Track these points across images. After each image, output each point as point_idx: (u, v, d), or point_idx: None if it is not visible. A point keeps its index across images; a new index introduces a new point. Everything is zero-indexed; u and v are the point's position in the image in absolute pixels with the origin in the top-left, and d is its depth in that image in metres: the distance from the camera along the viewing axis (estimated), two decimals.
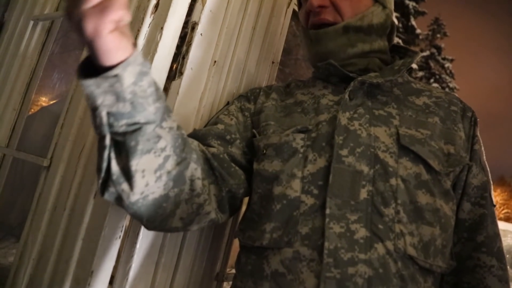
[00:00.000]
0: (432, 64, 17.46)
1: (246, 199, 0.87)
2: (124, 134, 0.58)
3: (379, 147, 0.72)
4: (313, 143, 0.74)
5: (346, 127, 0.74)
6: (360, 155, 0.71)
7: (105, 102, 0.55)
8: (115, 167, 0.60)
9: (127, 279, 0.84)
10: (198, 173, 0.70)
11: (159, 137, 0.61)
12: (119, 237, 0.85)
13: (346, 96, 0.78)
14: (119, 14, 0.50)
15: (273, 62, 1.23)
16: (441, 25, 18.69)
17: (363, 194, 0.68)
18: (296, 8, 1.27)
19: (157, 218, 0.67)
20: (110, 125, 0.57)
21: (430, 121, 0.77)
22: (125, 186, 0.61)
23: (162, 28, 0.90)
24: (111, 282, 0.85)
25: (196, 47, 0.92)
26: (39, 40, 1.32)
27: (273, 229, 0.71)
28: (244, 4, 1.06)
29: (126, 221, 0.85)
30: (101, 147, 0.60)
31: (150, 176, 0.62)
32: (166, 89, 0.91)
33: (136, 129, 0.58)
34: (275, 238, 0.70)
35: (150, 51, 0.89)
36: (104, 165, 0.60)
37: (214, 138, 0.80)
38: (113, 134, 0.58)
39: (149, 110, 0.59)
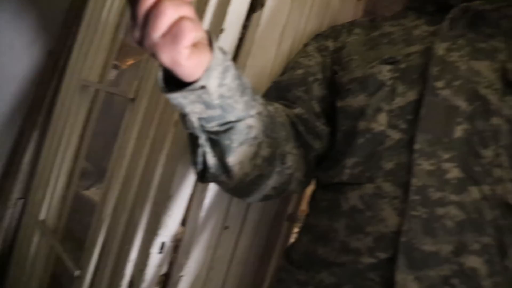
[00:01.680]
0: None
1: None
2: (217, 133, 0.58)
3: (481, 82, 0.64)
4: (402, 75, 0.68)
5: (442, 58, 0.66)
6: (457, 89, 0.63)
7: (194, 110, 0.54)
8: (211, 161, 0.61)
9: (202, 206, 0.87)
10: (289, 147, 0.70)
11: (250, 127, 0.60)
12: None
13: (446, 24, 0.69)
14: (192, 37, 0.45)
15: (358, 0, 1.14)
16: None
17: (458, 132, 0.61)
18: None
19: (253, 193, 0.69)
20: (202, 126, 0.57)
21: None
22: (223, 177, 0.64)
23: None
24: (187, 207, 0.89)
25: None
26: None
27: (354, 164, 0.67)
28: None
29: None
30: (194, 144, 0.61)
31: (247, 165, 0.63)
32: (247, 21, 0.89)
33: (228, 128, 0.58)
34: (355, 174, 0.67)
35: None
36: (200, 159, 0.62)
37: (297, 87, 0.78)
38: (206, 133, 0.58)
39: (238, 108, 0.57)
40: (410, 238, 0.58)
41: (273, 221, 1.01)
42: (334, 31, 0.85)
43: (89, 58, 1.36)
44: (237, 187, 0.67)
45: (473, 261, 0.57)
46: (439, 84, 0.64)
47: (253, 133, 0.61)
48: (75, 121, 1.38)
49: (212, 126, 0.57)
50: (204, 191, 0.87)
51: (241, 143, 0.60)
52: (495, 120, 0.62)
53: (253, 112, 0.61)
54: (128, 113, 1.06)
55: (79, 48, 1.44)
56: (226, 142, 0.59)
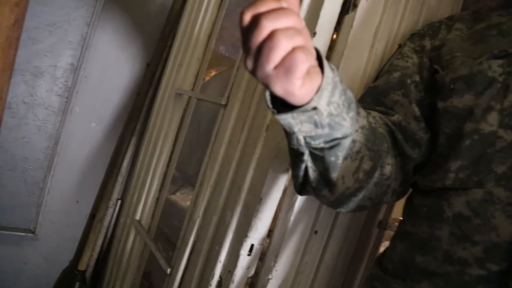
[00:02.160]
0: None
1: None
2: (322, 149, 0.58)
3: None
4: None
5: None
6: None
7: (302, 129, 0.54)
8: (313, 176, 0.62)
9: (292, 210, 0.87)
10: (388, 160, 0.68)
11: (354, 142, 0.60)
12: (287, 170, 0.87)
13: None
14: (305, 68, 0.44)
15: None
16: None
17: None
18: None
19: (349, 204, 0.69)
20: (308, 144, 0.57)
21: None
22: (325, 192, 0.64)
23: None
24: (277, 211, 0.90)
25: None
26: None
27: (459, 168, 0.62)
28: None
29: None
30: (296, 159, 0.62)
31: (349, 179, 0.63)
32: (339, 23, 0.88)
33: (334, 145, 0.58)
34: (461, 178, 0.61)
35: None
36: (301, 174, 0.63)
37: (394, 90, 0.75)
38: (311, 149, 0.59)
39: (345, 125, 0.57)
40: None
41: (363, 227, 0.97)
42: (431, 29, 0.80)
43: (183, 69, 1.45)
44: (336, 200, 0.66)
45: None
46: None
47: (357, 147, 0.60)
48: (169, 127, 1.47)
49: (319, 143, 0.57)
50: (294, 195, 0.87)
51: (345, 158, 0.60)
52: None
53: (357, 126, 0.60)
54: (220, 118, 1.10)
55: (174, 60, 1.55)
56: (332, 158, 0.59)
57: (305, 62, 0.44)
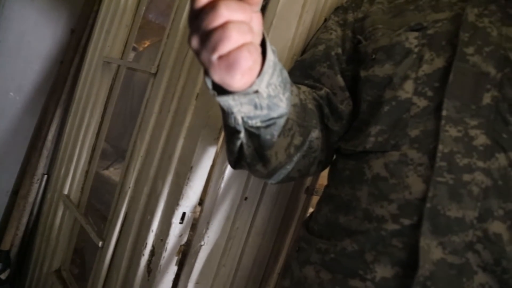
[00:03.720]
0: None
1: None
2: (258, 128, 0.59)
3: (511, 48, 0.62)
4: (430, 41, 0.66)
5: (473, 24, 0.64)
6: (487, 55, 0.62)
7: (241, 110, 0.54)
8: (248, 152, 0.64)
9: (222, 178, 0.89)
10: (316, 133, 0.71)
11: (287, 120, 0.62)
12: (217, 138, 0.88)
13: None
14: (248, 66, 0.43)
15: None
16: None
17: (487, 98, 0.60)
18: None
19: (281, 177, 0.71)
20: (245, 123, 0.58)
21: None
22: (259, 167, 0.66)
23: None
24: (207, 179, 0.91)
25: None
26: None
27: (378, 132, 0.67)
28: None
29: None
30: (232, 137, 0.62)
31: (282, 155, 0.65)
32: None
33: (270, 124, 0.59)
34: (380, 141, 0.66)
35: None
36: (236, 149, 0.63)
37: (320, 63, 0.78)
38: (247, 127, 0.59)
39: (282, 106, 0.58)
40: (435, 204, 0.58)
41: (291, 193, 1.02)
42: (354, 2, 0.84)
43: (111, 36, 1.38)
44: (268, 174, 0.69)
45: (497, 227, 0.56)
46: (469, 50, 0.62)
47: (289, 125, 0.63)
48: (97, 97, 1.40)
49: (256, 122, 0.58)
50: (224, 162, 0.89)
51: (279, 136, 0.62)
52: None
53: (290, 105, 0.62)
54: (150, 87, 1.07)
55: (100, 26, 1.46)
56: (267, 137, 0.61)
57: (249, 61, 0.43)
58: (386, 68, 0.70)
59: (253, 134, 0.61)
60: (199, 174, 0.89)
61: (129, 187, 1.08)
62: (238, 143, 0.62)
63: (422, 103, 0.64)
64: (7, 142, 1.62)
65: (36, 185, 1.67)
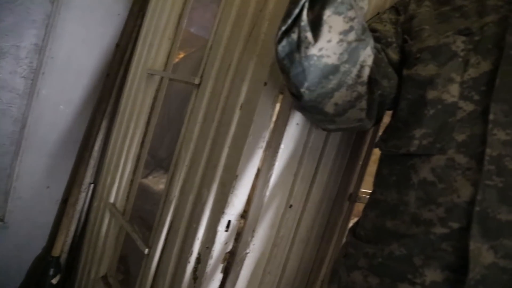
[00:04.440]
0: None
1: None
2: None
3: None
4: (476, 46, 0.66)
5: None
6: None
7: None
8: (305, 16, 0.63)
9: (267, 186, 0.89)
10: (370, 60, 0.69)
11: (351, 7, 0.63)
12: (262, 147, 0.89)
13: None
14: None
15: None
16: None
17: None
18: None
19: (317, 89, 0.68)
20: None
21: None
22: (309, 34, 0.63)
23: None
24: (253, 187, 0.92)
25: None
26: None
27: (423, 135, 0.66)
28: None
29: (268, 132, 0.89)
30: None
31: (335, 34, 0.64)
32: None
33: None
34: (425, 145, 0.65)
35: None
36: (296, 11, 0.63)
37: (377, 40, 0.78)
38: None
39: None
40: (484, 207, 0.57)
41: (335, 201, 1.01)
42: (402, 4, 0.84)
43: (154, 48, 1.43)
44: (313, 66, 0.65)
45: None
46: None
47: (352, 14, 0.63)
48: (141, 109, 1.46)
49: None
50: (269, 170, 0.89)
51: (339, 13, 0.62)
52: None
53: (359, 1, 0.65)
54: (194, 98, 1.10)
55: (144, 40, 1.52)
56: None
57: None
58: (429, 68, 0.69)
59: None
60: (244, 183, 0.91)
61: (175, 196, 1.10)
62: (303, 1, 0.62)
63: (468, 107, 0.63)
64: (58, 154, 1.71)
65: (83, 194, 1.74)
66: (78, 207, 1.74)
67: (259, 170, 0.92)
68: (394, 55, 0.76)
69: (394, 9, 0.85)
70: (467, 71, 0.65)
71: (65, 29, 1.59)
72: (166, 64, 1.41)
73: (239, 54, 0.96)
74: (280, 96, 0.89)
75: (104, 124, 1.69)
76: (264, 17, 0.91)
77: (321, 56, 0.64)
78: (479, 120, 0.62)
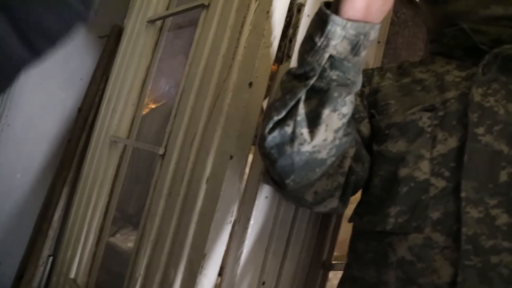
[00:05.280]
0: None
1: None
2: (330, 82, 0.61)
3: None
4: (441, 122, 0.67)
5: (480, 104, 0.65)
6: (498, 134, 0.63)
7: (338, 46, 0.58)
8: (302, 109, 0.62)
9: (238, 263, 0.84)
10: (352, 152, 0.70)
11: (345, 103, 0.62)
12: (230, 222, 0.85)
13: (480, 70, 0.68)
14: None
15: (379, 42, 1.15)
16: None
17: (503, 176, 0.60)
18: None
19: (302, 182, 0.67)
20: (323, 69, 0.60)
21: None
22: (305, 131, 0.62)
23: (268, 12, 0.88)
24: (222, 265, 0.86)
25: (303, 29, 0.89)
26: (152, 40, 1.42)
27: (398, 213, 0.65)
28: None
29: (236, 206, 0.86)
30: (295, 86, 0.62)
31: (330, 133, 0.63)
32: (274, 73, 0.90)
33: (344, 84, 0.61)
34: (400, 223, 0.65)
35: (257, 36, 0.89)
36: (292, 103, 0.61)
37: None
38: (321, 78, 0.60)
39: (360, 76, 0.63)
40: None
41: (309, 270, 0.96)
42: (365, 75, 0.86)
43: (117, 114, 1.40)
44: (304, 161, 0.63)
45: None
46: (480, 130, 0.63)
47: (345, 110, 0.63)
48: (105, 176, 1.39)
49: (334, 74, 0.60)
50: (240, 247, 0.85)
51: (335, 110, 0.61)
52: None
53: (353, 96, 0.64)
54: (158, 169, 1.06)
55: (107, 105, 1.49)
56: (335, 94, 0.60)
57: None
58: (399, 144, 0.70)
59: (320, 91, 0.61)
60: (213, 261, 0.85)
61: (140, 274, 1.03)
62: (300, 94, 0.61)
63: (440, 183, 0.64)
64: (12, 226, 1.59)
65: (41, 268, 1.61)
66: (35, 283, 1.60)
67: (228, 247, 0.87)
68: (366, 130, 0.76)
69: None
70: (435, 147, 0.66)
71: (23, 96, 1.54)
72: (130, 130, 1.37)
73: (203, 125, 0.94)
74: (248, 169, 0.87)
75: (65, 192, 1.60)
76: (228, 88, 0.91)
77: (313, 152, 0.63)
78: (451, 197, 0.62)
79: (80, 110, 1.64)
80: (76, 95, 1.65)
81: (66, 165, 1.60)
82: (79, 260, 1.41)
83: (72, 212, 1.51)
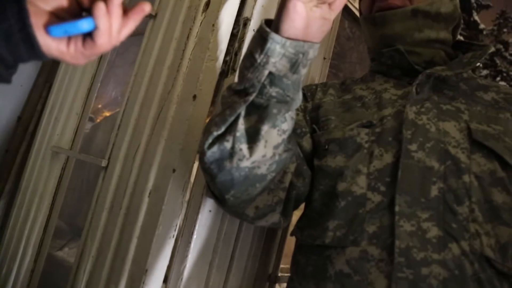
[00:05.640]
0: (498, 61, 16.19)
1: None
2: (270, 98, 0.61)
3: (450, 142, 0.67)
4: (378, 138, 0.70)
5: (413, 122, 0.69)
6: (430, 150, 0.67)
7: (277, 64, 0.59)
8: (241, 125, 0.61)
9: (181, 278, 0.83)
10: (293, 167, 0.71)
11: (285, 119, 0.63)
12: (173, 236, 0.84)
13: (414, 89, 0.73)
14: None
15: (324, 58, 1.19)
16: (508, 18, 17.31)
17: (434, 191, 0.64)
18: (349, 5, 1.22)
19: (243, 197, 0.67)
20: (263, 86, 0.60)
21: (501, 116, 0.71)
22: (244, 147, 0.62)
23: (213, 25, 0.89)
24: (165, 281, 0.85)
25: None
26: None
27: (336, 227, 0.68)
28: None
29: (179, 221, 0.85)
30: (235, 101, 0.62)
31: (269, 149, 0.63)
32: (218, 86, 0.90)
33: (283, 101, 0.62)
34: (338, 236, 0.67)
35: (202, 49, 0.89)
36: (231, 119, 0.61)
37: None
38: (260, 95, 0.61)
39: (299, 93, 0.64)
40: None
41: (254, 284, 0.97)
42: (309, 91, 0.88)
43: (60, 124, 1.34)
44: (243, 176, 0.64)
45: None
46: (413, 146, 0.67)
47: (285, 126, 0.63)
48: (45, 188, 1.32)
49: (273, 91, 0.60)
50: (183, 261, 0.84)
51: (275, 126, 0.62)
52: (466, 178, 0.65)
53: (293, 112, 0.65)
54: (101, 181, 1.02)
55: (49, 114, 1.42)
56: (274, 110, 0.61)
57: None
58: (338, 159, 0.72)
59: (260, 106, 0.61)
60: (155, 277, 0.83)
61: None
62: (239, 110, 0.61)
63: (376, 198, 0.66)
64: None
65: None
66: None
67: (171, 261, 0.85)
68: (308, 145, 0.78)
69: (303, 95, 0.88)
70: (372, 163, 0.69)
71: None
72: (73, 141, 1.32)
73: (147, 137, 0.92)
74: (191, 183, 0.86)
75: (1, 206, 1.50)
76: (172, 100, 0.90)
77: (253, 168, 0.64)
78: (386, 211, 0.65)
79: (19, 118, 1.56)
80: (16, 102, 1.56)
81: (3, 177, 1.50)
82: (14, 279, 1.32)
83: (9, 227, 1.42)
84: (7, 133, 1.56)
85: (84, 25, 0.42)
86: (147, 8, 0.46)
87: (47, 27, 0.42)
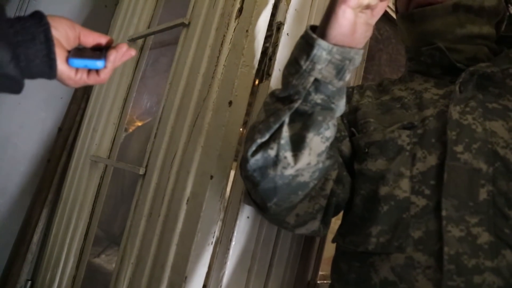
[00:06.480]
0: None
1: None
2: (315, 105, 0.61)
3: (498, 142, 0.63)
4: (420, 140, 0.67)
5: (458, 122, 0.66)
6: (477, 152, 0.63)
7: (323, 70, 0.58)
8: (286, 133, 0.61)
9: (220, 286, 0.82)
10: (335, 174, 0.70)
11: (328, 127, 0.62)
12: (212, 243, 0.84)
13: (457, 88, 0.69)
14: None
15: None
16: None
17: (483, 194, 0.60)
18: None
19: (285, 205, 0.66)
20: (308, 93, 0.60)
21: None
22: (289, 155, 0.61)
23: (247, 31, 0.89)
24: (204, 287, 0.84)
25: (283, 48, 0.90)
26: (133, 58, 1.41)
27: (380, 233, 0.65)
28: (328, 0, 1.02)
29: (217, 227, 0.84)
30: (279, 108, 0.62)
31: (314, 157, 0.62)
32: (254, 91, 0.90)
33: (328, 108, 0.61)
34: (382, 243, 0.64)
35: (236, 55, 0.89)
36: (275, 126, 0.61)
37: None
38: (305, 102, 0.60)
39: (343, 100, 0.64)
40: None
41: None
42: (346, 94, 0.86)
43: (98, 134, 1.37)
44: (286, 184, 0.63)
45: None
46: (459, 148, 0.63)
47: (328, 134, 0.62)
48: (85, 197, 1.36)
49: (319, 98, 0.60)
50: (221, 268, 0.83)
51: (319, 133, 0.61)
52: None
53: (336, 120, 0.64)
54: (139, 189, 1.04)
55: (88, 124, 1.46)
56: (319, 118, 0.60)
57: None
58: (379, 163, 0.70)
59: (305, 113, 0.60)
60: (195, 284, 0.83)
61: None
62: (284, 117, 0.60)
63: (421, 202, 0.63)
64: None
65: None
66: None
67: (210, 268, 0.85)
68: (347, 150, 0.77)
69: None
70: (415, 165, 0.66)
71: (1, 116, 1.50)
72: (110, 150, 1.35)
73: (183, 144, 0.93)
74: (228, 189, 0.85)
75: (44, 214, 1.56)
76: (208, 107, 0.90)
77: (296, 176, 0.63)
78: (432, 215, 0.61)
79: (60, 129, 1.62)
80: (56, 114, 1.63)
81: (45, 186, 1.56)
82: (58, 284, 1.36)
83: (52, 235, 1.47)
84: (48, 144, 1.62)
85: (99, 63, 0.57)
86: (132, 52, 0.60)
87: (68, 58, 0.55)
